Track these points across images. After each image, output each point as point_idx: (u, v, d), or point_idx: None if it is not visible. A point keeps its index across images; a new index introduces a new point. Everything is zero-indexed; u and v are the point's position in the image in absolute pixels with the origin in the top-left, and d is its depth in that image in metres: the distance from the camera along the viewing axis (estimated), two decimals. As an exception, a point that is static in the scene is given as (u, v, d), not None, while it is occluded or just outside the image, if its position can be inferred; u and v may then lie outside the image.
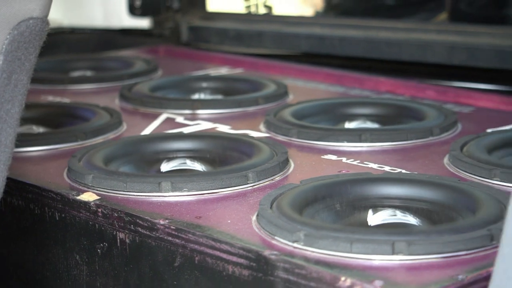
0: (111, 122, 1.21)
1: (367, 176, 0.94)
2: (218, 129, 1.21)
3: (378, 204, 0.90)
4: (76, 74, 1.63)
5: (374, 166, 1.03)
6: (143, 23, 1.92)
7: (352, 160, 1.05)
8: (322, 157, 1.07)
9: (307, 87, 1.48)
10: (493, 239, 0.78)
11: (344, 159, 1.06)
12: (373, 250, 0.77)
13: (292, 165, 1.04)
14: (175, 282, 0.87)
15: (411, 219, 0.87)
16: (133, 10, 1.86)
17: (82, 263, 0.96)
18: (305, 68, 1.57)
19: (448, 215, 0.87)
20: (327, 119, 1.24)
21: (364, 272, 0.75)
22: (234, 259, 0.81)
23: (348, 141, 1.11)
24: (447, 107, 1.27)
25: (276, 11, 1.81)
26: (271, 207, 0.87)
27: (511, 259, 0.62)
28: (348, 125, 1.22)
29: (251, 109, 1.31)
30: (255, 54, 1.73)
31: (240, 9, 1.84)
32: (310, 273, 0.76)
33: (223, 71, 1.61)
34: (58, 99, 1.42)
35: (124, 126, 1.23)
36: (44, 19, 0.78)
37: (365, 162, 1.04)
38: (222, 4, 1.87)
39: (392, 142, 1.11)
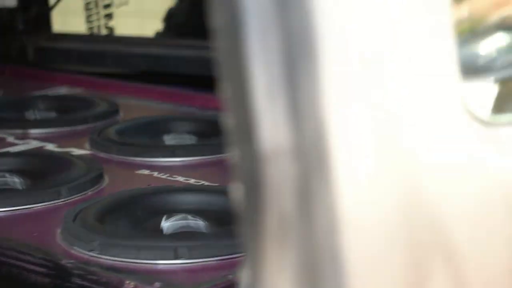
0: None
1: (166, 188, 1.04)
2: (46, 147, 1.29)
3: (173, 212, 0.99)
4: None
5: (181, 179, 1.12)
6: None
7: (163, 174, 1.15)
8: (136, 172, 1.16)
9: (139, 105, 1.57)
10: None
11: (155, 174, 1.15)
12: (158, 256, 0.87)
13: (107, 180, 1.12)
14: (-15, 293, 0.94)
15: (201, 226, 0.96)
16: (-21, 31, 1.91)
17: None
18: (141, 86, 1.66)
19: (234, 222, 0.97)
20: (150, 135, 1.33)
21: (148, 275, 0.84)
22: (36, 268, 0.90)
23: (162, 156, 1.20)
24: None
25: (117, 32, 1.89)
26: (74, 220, 0.95)
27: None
28: (168, 141, 1.31)
29: (80, 127, 1.39)
30: (99, 74, 1.80)
31: (83, 30, 1.91)
32: (101, 278, 0.85)
33: (63, 90, 1.68)
34: None
35: (-45, 147, 1.30)
36: None
37: (174, 176, 1.14)
38: (66, 26, 1.93)
39: (203, 156, 1.21)
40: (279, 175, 0.42)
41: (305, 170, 0.42)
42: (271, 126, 0.42)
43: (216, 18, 0.44)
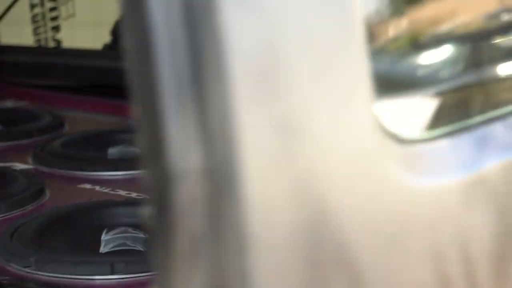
0: None
1: (106, 202, 1.04)
2: (-12, 162, 1.28)
3: (113, 226, 0.98)
4: None
5: (123, 193, 1.12)
6: None
7: (105, 188, 1.14)
8: (79, 186, 1.16)
9: (85, 118, 1.56)
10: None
11: (97, 188, 1.15)
12: (94, 271, 0.87)
13: (48, 195, 1.12)
14: None
15: (140, 240, 0.96)
16: None
17: None
18: (88, 99, 1.65)
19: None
20: (95, 149, 1.32)
21: (85, 291, 0.84)
22: (-28, 285, 0.89)
23: (105, 170, 1.20)
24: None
25: (65, 45, 1.89)
26: (12, 235, 0.95)
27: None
28: (112, 154, 1.31)
29: (25, 141, 1.38)
30: (46, 86, 1.79)
31: (31, 42, 1.90)
32: (36, 295, 0.85)
33: (9, 104, 1.67)
34: None
35: None
36: None
37: (116, 190, 1.13)
38: (13, 38, 1.92)
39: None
40: (189, 196, 0.43)
41: (215, 190, 0.42)
42: (181, 146, 0.43)
43: (127, 40, 0.45)
